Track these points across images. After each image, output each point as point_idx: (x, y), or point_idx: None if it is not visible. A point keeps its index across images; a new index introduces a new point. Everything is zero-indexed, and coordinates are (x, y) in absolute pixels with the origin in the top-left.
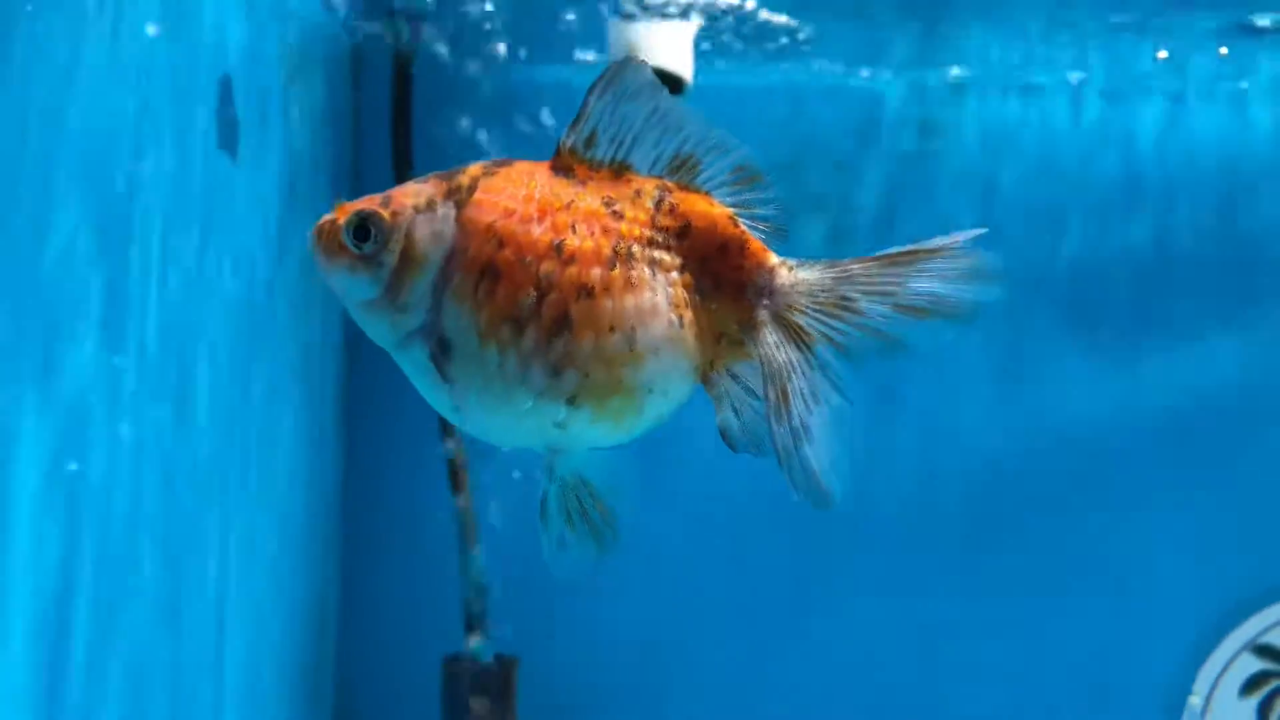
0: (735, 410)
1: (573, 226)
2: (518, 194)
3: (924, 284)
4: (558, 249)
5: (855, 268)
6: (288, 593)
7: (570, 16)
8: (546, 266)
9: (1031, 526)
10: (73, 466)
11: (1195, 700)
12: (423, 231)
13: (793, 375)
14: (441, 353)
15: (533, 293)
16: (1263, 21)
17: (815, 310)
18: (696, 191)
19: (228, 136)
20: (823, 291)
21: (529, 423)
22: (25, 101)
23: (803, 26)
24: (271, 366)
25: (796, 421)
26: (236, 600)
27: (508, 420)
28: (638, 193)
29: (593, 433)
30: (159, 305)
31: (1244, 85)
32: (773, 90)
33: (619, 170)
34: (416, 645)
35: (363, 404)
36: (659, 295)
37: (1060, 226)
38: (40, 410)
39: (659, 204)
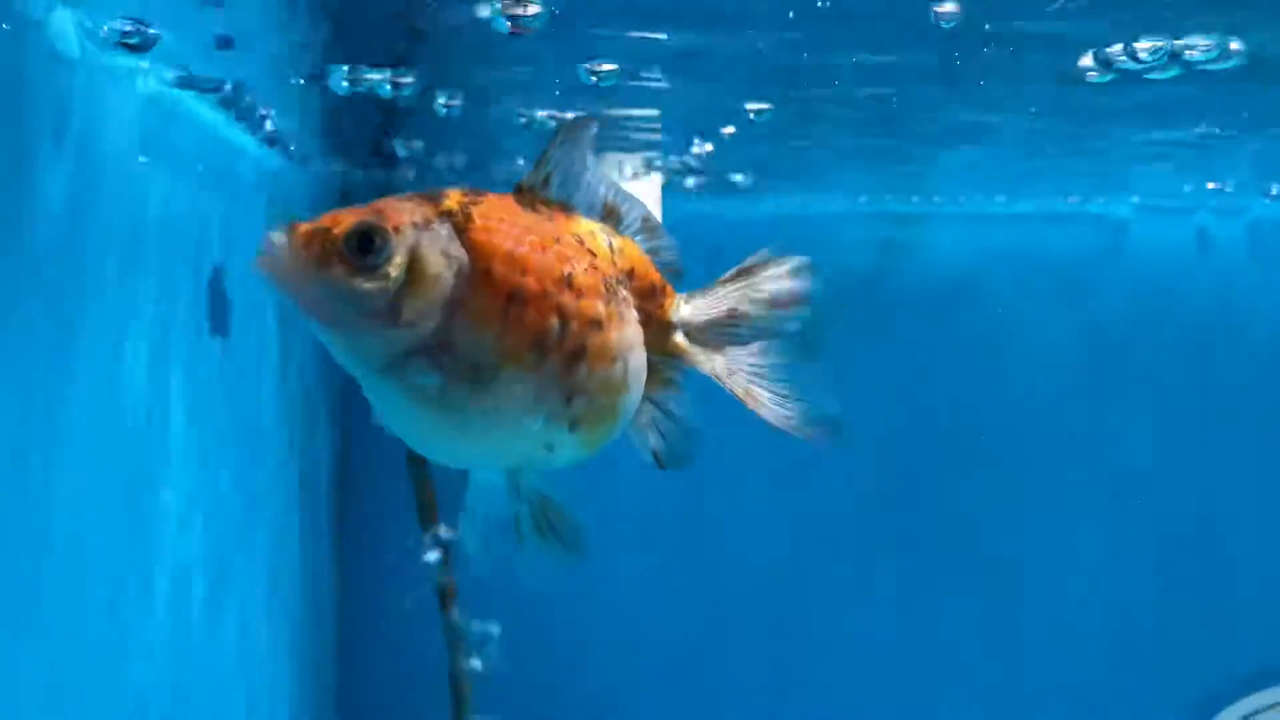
0: (661, 433)
1: (570, 260)
2: (515, 224)
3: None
4: (568, 281)
5: (719, 287)
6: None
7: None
8: (564, 298)
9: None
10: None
11: None
12: (432, 249)
13: (735, 372)
14: (448, 373)
15: (556, 322)
16: None
17: (709, 321)
18: (625, 237)
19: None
20: (710, 308)
21: (521, 445)
22: None
23: None
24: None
25: (766, 397)
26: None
27: (500, 442)
28: (591, 233)
29: (572, 455)
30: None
31: None
32: None
33: (566, 210)
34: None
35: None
36: (634, 329)
37: None
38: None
39: (611, 246)
